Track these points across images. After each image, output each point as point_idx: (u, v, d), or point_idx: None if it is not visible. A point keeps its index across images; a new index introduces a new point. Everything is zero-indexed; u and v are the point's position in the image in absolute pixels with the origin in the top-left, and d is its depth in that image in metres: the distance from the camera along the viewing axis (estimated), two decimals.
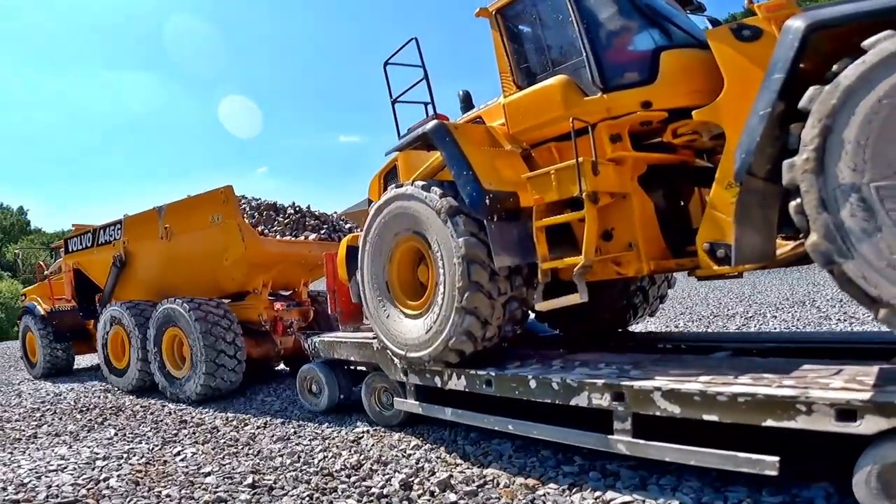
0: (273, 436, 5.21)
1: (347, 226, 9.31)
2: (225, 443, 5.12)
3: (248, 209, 8.68)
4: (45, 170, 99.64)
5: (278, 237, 8.21)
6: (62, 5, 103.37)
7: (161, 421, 6.26)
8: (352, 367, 6.11)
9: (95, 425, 6.23)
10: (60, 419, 6.71)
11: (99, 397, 8.05)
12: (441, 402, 4.57)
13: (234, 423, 5.93)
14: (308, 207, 9.31)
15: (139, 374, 8.11)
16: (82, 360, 12.30)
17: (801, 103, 2.56)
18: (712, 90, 3.44)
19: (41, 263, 13.77)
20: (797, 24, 2.76)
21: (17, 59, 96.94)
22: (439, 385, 4.49)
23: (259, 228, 8.22)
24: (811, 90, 2.55)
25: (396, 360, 4.84)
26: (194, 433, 5.58)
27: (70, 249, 10.22)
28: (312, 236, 8.41)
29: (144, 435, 5.63)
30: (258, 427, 5.63)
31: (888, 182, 2.38)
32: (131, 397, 7.91)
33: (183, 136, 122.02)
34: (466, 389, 4.27)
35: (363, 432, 5.01)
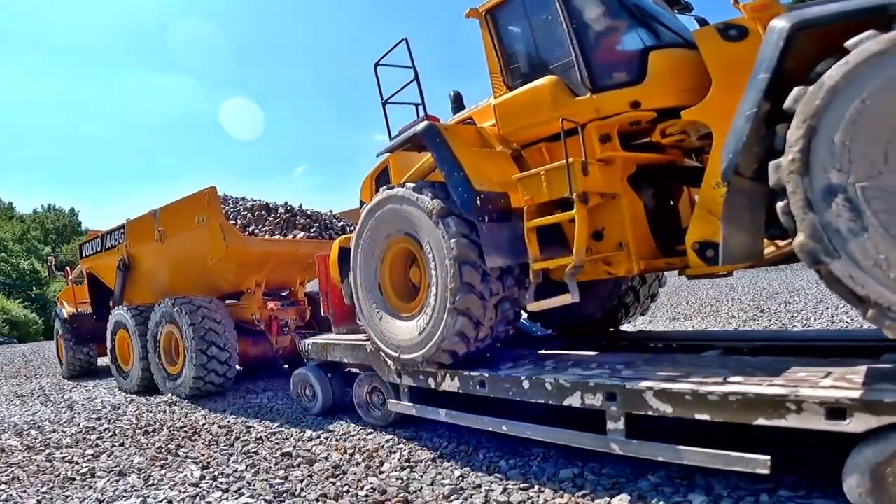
0: (434, 484, 3.62)
1: (340, 224, 9.36)
2: (366, 496, 3.51)
3: (241, 210, 8.79)
4: (94, 171, 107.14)
5: (266, 236, 8.27)
6: (104, 11, 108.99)
7: (254, 453, 4.69)
8: (346, 370, 6.10)
9: (168, 456, 4.74)
10: (122, 444, 5.31)
11: (165, 412, 6.68)
12: (431, 404, 4.59)
13: (357, 456, 4.34)
14: (300, 206, 9.36)
15: (141, 373, 8.30)
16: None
17: (786, 104, 2.57)
18: (700, 90, 3.45)
19: (67, 269, 14.37)
20: (782, 23, 2.77)
21: (67, 64, 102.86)
22: (433, 386, 4.50)
23: (250, 228, 8.31)
24: (796, 91, 2.56)
25: (390, 362, 4.84)
26: (310, 476, 3.97)
27: (84, 255, 10.60)
28: (301, 235, 8.48)
29: (240, 477, 4.08)
30: (399, 469, 3.98)
31: (873, 182, 2.39)
32: (204, 412, 6.53)
33: (225, 136, 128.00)
34: (460, 391, 4.28)
35: (572, 480, 3.47)
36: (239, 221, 8.40)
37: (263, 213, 8.79)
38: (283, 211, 8.95)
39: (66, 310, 11.59)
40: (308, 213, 9.21)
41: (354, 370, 5.88)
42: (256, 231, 8.35)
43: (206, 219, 7.47)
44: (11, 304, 39.42)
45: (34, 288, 44.37)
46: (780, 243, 3.57)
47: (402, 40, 4.82)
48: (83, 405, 7.71)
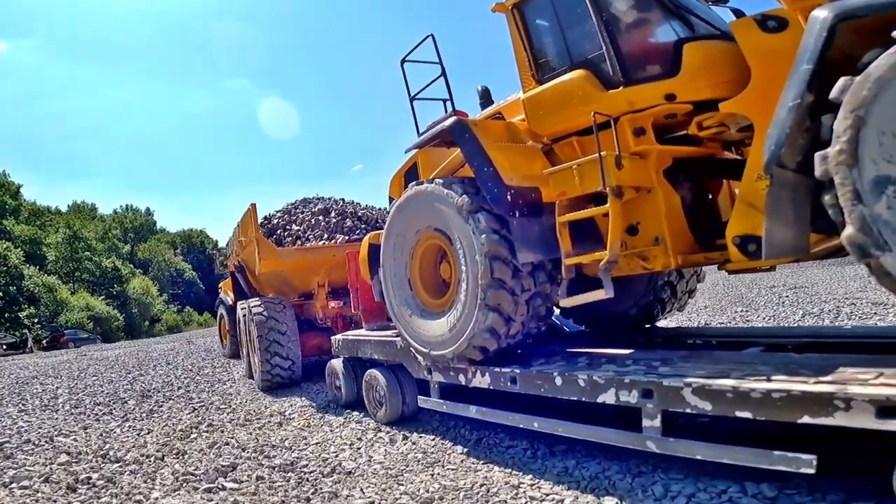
0: None
1: None
2: None
3: (308, 214, 9.66)
4: (167, 173, 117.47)
5: (316, 242, 9.13)
6: (175, 22, 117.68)
7: None
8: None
9: None
10: None
11: None
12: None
13: None
14: (354, 208, 10.05)
15: (247, 363, 9.14)
16: None
17: (833, 94, 2.51)
18: (738, 81, 3.38)
19: (228, 263, 16.17)
20: (824, 14, 2.71)
21: (141, 73, 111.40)
22: (464, 382, 4.50)
23: (307, 234, 9.18)
24: (842, 81, 2.49)
25: (420, 358, 4.85)
26: None
27: (227, 254, 12.20)
28: (340, 238, 9.08)
29: None
30: None
31: None
32: None
33: (282, 138, 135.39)
34: (491, 387, 4.27)
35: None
36: (303, 227, 9.26)
37: (321, 217, 9.50)
38: (333, 214, 9.62)
39: (230, 297, 12.70)
40: (359, 214, 9.82)
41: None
42: (311, 236, 9.13)
43: (252, 233, 8.36)
44: (95, 301, 41.56)
45: (115, 285, 46.37)
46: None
47: (429, 36, 4.80)
48: None
